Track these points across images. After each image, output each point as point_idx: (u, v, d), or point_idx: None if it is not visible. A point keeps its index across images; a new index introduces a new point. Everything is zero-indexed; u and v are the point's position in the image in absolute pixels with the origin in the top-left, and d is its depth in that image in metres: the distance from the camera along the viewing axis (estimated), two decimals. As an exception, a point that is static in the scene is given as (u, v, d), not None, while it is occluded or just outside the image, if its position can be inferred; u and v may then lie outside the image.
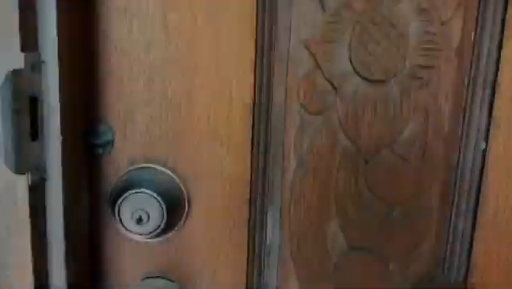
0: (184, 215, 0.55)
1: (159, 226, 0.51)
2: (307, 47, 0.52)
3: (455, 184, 0.55)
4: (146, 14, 0.50)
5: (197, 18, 0.50)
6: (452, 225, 0.56)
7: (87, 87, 0.52)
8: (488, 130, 0.53)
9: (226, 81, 0.52)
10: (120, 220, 0.52)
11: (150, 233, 0.52)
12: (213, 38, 0.51)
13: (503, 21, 0.51)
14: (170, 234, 0.55)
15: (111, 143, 0.53)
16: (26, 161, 0.41)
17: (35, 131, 0.42)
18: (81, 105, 0.51)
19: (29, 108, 0.41)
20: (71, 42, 0.45)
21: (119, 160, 0.54)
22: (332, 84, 0.53)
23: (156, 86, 0.52)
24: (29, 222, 0.42)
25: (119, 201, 0.51)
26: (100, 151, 0.53)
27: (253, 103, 0.53)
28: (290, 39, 0.52)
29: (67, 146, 0.45)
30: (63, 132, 0.44)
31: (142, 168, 0.54)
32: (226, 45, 0.51)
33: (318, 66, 0.52)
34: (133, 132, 0.53)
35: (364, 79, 0.53)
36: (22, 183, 0.42)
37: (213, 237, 0.56)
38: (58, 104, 0.43)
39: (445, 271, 0.58)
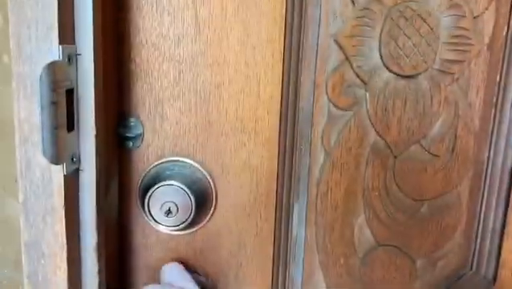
0: (212, 208, 0.55)
1: (187, 219, 0.52)
2: (337, 41, 0.52)
3: (485, 180, 0.55)
4: (177, 7, 0.51)
5: (227, 12, 0.51)
6: (481, 221, 0.56)
7: (119, 81, 0.52)
8: (520, 126, 0.52)
9: (254, 75, 0.52)
10: (150, 212, 0.52)
11: (178, 225, 0.52)
12: (242, 32, 0.51)
13: (537, 15, 0.50)
14: (198, 227, 0.56)
15: (141, 136, 0.54)
16: (62, 152, 0.41)
17: (71, 122, 0.43)
18: (113, 98, 0.52)
19: (65, 100, 0.41)
20: (105, 35, 0.46)
21: (149, 154, 0.54)
22: (362, 79, 0.53)
23: (186, 79, 0.52)
24: (63, 212, 0.43)
25: (148, 194, 0.52)
26: (131, 144, 0.54)
27: (281, 98, 0.53)
28: (319, 33, 0.52)
29: (100, 138, 0.45)
30: (97, 124, 0.44)
31: (171, 161, 0.54)
32: (255, 39, 0.51)
33: (347, 60, 0.52)
34: (162, 126, 0.53)
35: (394, 73, 0.52)
36: (58, 173, 0.42)
37: (239, 230, 0.56)
38: (93, 97, 0.43)
39: (474, 269, 0.57)
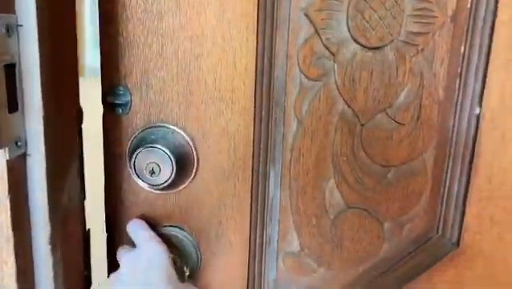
0: (194, 170, 0.61)
1: (168, 179, 0.57)
2: (307, 15, 0.55)
3: (450, 147, 0.57)
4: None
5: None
6: (446, 188, 0.58)
7: (109, 52, 0.58)
8: (482, 95, 0.54)
9: (231, 48, 0.57)
10: (136, 172, 0.58)
11: (160, 184, 0.58)
12: (218, 8, 0.55)
13: (500, -13, 0.51)
14: (182, 188, 0.61)
15: (129, 103, 0.59)
16: (4, 135, 0.38)
17: (14, 102, 0.39)
18: (105, 68, 0.58)
19: (5, 77, 0.37)
20: (52, 6, 0.44)
21: (137, 120, 0.60)
22: (330, 51, 0.56)
23: (168, 51, 0.57)
24: (8, 201, 0.40)
25: (134, 155, 0.57)
26: (120, 111, 0.59)
27: (256, 69, 0.57)
28: (290, 7, 0.55)
29: (52, 119, 0.43)
30: (46, 103, 0.41)
31: (156, 126, 0.60)
32: (230, 13, 0.56)
33: (317, 33, 0.56)
34: (148, 94, 0.59)
35: (361, 45, 0.55)
36: (0, 158, 0.39)
37: (219, 192, 0.61)
38: (39, 73, 0.39)
39: (440, 232, 0.60)
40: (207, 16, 0.56)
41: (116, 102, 0.59)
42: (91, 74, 1.39)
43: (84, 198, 0.59)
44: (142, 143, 0.58)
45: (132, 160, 0.58)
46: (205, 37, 0.56)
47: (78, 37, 0.56)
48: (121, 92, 0.59)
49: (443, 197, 0.59)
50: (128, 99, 0.59)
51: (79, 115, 0.57)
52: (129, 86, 0.59)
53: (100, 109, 0.60)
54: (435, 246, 0.60)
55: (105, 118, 0.60)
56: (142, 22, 0.57)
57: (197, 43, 0.57)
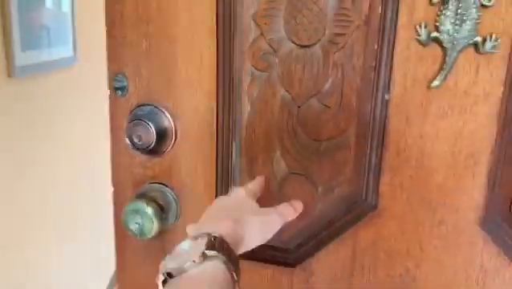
0: (173, 140, 0.79)
1: (150, 145, 0.76)
2: (254, 20, 0.71)
3: (368, 127, 0.70)
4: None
5: (178, 2, 0.73)
6: (366, 160, 0.72)
7: (113, 49, 0.77)
8: (389, 84, 0.67)
9: (198, 47, 0.74)
10: (128, 139, 0.78)
11: (145, 148, 0.77)
12: (188, 15, 0.73)
13: (402, -3, 0.64)
14: (165, 153, 0.80)
15: (126, 88, 0.79)
16: None
17: None
18: (110, 60, 0.78)
19: None
20: None
21: (132, 100, 0.79)
22: (273, 48, 0.71)
23: (153, 49, 0.76)
24: None
25: (127, 128, 0.77)
26: (120, 93, 0.79)
27: (217, 63, 0.74)
28: (242, 14, 0.71)
29: None
30: None
31: (145, 105, 0.79)
32: (196, 22, 0.73)
33: (262, 34, 0.71)
34: (140, 81, 0.78)
35: (295, 44, 0.70)
36: None
37: (193, 156, 0.79)
38: None
39: (363, 197, 0.73)
40: (180, 23, 0.73)
41: (117, 86, 0.79)
42: (20, 75, 1.57)
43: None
44: (134, 118, 0.78)
45: (126, 131, 0.77)
46: (179, 38, 0.74)
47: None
48: (120, 79, 0.79)
49: (365, 167, 0.72)
50: (125, 84, 0.79)
51: None
52: (126, 74, 0.78)
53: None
54: (359, 208, 0.74)
55: (110, 99, 0.80)
56: (134, 26, 0.76)
57: (173, 43, 0.75)
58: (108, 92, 0.80)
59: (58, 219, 2.00)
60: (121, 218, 0.78)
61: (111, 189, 0.86)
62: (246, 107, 0.75)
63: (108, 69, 0.79)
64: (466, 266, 0.72)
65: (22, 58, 1.58)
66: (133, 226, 0.77)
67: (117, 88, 0.79)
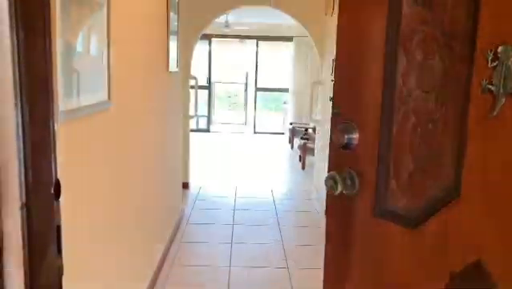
0: (358, 135, 1.40)
1: (345, 143, 1.40)
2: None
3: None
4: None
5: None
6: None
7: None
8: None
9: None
10: (336, 142, 1.44)
11: (342, 146, 1.41)
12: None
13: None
14: (353, 148, 1.42)
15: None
16: None
17: None
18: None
19: None
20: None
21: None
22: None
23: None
24: None
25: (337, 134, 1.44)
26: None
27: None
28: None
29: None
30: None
31: (343, 124, 1.42)
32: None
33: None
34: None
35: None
36: None
37: (368, 154, 1.37)
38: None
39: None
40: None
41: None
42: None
43: (62, 274, 0.63)
44: (342, 127, 1.44)
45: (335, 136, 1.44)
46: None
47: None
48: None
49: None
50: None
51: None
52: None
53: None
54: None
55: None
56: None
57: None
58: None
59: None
60: (324, 179, 1.44)
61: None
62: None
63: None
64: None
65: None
66: (328, 184, 1.41)
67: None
